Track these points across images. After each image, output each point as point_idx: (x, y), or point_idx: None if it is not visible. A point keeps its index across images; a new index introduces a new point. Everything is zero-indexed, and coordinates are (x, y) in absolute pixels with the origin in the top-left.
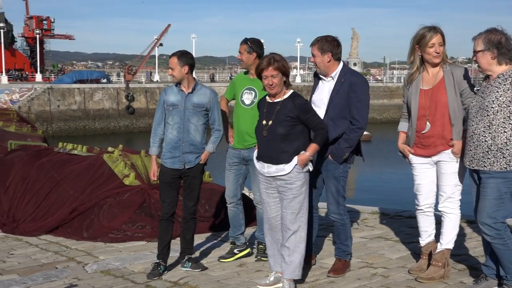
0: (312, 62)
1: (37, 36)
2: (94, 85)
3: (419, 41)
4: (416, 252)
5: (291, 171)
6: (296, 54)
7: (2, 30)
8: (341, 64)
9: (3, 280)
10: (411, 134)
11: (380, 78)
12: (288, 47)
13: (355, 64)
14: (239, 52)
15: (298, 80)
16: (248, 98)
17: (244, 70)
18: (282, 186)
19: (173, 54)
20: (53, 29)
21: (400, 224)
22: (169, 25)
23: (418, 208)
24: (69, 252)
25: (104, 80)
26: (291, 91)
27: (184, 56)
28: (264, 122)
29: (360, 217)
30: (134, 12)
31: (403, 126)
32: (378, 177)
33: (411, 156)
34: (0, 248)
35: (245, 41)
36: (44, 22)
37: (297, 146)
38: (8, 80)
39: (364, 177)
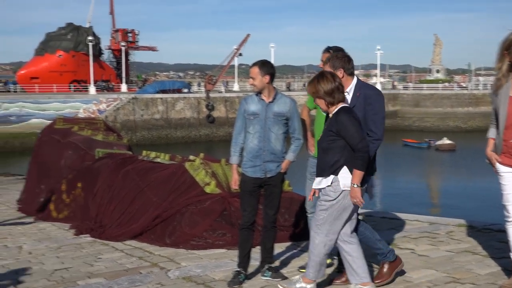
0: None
1: (123, 48)
2: (176, 95)
3: (508, 47)
4: (507, 268)
5: (326, 187)
6: (376, 62)
7: (91, 43)
8: (355, 78)
9: (91, 283)
10: (498, 143)
11: (464, 85)
12: (367, 54)
13: (437, 71)
14: (321, 60)
15: (378, 88)
16: None
17: None
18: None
19: (254, 64)
20: (137, 41)
21: (489, 238)
22: (248, 35)
23: (508, 220)
24: (152, 258)
25: (186, 90)
26: (341, 105)
27: (265, 66)
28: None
29: (445, 230)
30: (215, 23)
31: (492, 132)
32: (464, 187)
33: (498, 165)
34: (88, 252)
35: (327, 49)
36: (129, 34)
37: (335, 160)
38: (96, 90)
39: (449, 187)
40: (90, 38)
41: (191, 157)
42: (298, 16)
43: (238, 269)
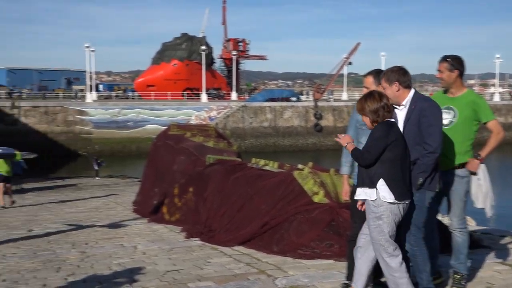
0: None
1: (234, 57)
2: (284, 103)
3: None
4: None
5: (370, 202)
6: (495, 71)
7: (204, 53)
8: (412, 91)
9: (200, 286)
10: None
11: None
12: (485, 63)
13: None
14: (439, 70)
15: (496, 98)
16: (446, 117)
17: (443, 88)
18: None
19: (369, 73)
20: (248, 50)
21: None
22: (358, 44)
23: None
24: (260, 265)
25: (294, 99)
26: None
27: (380, 75)
28: None
29: None
30: (324, 32)
31: None
32: None
33: None
34: (198, 255)
35: (445, 58)
36: (240, 44)
37: (373, 173)
38: (208, 98)
39: None
40: (203, 47)
41: (300, 166)
42: (410, 25)
43: (346, 282)
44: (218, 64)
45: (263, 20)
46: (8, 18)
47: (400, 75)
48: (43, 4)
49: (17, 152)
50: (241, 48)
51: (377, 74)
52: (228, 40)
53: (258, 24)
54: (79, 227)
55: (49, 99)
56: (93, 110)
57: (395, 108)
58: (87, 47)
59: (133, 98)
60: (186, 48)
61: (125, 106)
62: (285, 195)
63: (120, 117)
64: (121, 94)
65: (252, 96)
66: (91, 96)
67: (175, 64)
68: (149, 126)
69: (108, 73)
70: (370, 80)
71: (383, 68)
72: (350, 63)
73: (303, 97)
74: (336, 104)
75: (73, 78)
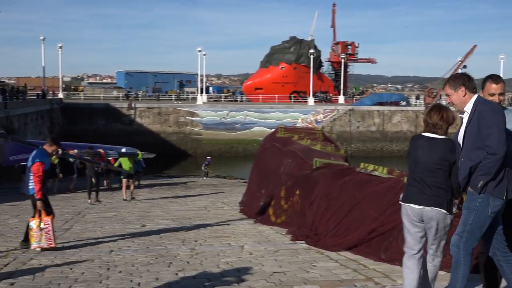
0: (449, 103)
1: (342, 60)
2: (393, 108)
3: None
4: None
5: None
6: None
7: (312, 56)
8: (475, 96)
9: None
10: None
11: None
12: None
13: None
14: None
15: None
16: None
17: None
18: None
19: (490, 78)
20: (357, 54)
21: None
22: (475, 46)
23: None
24: (367, 272)
25: (403, 103)
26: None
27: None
28: None
29: None
30: (437, 34)
31: None
32: None
33: None
34: (304, 258)
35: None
36: (349, 47)
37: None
38: (314, 101)
39: None
40: (311, 51)
41: None
42: None
43: None
44: (326, 68)
45: (373, 23)
46: (129, 25)
47: (465, 80)
48: (161, 10)
49: (139, 152)
50: (349, 51)
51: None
52: (337, 43)
53: (368, 27)
54: (189, 225)
55: (163, 101)
56: (203, 111)
57: (461, 115)
58: (199, 51)
59: (241, 101)
60: (294, 52)
61: (234, 108)
62: (394, 201)
63: (228, 119)
64: (230, 97)
65: (360, 100)
66: (201, 98)
67: (283, 67)
68: (256, 128)
69: (218, 76)
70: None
71: (500, 72)
72: (465, 66)
73: (412, 101)
74: None
75: (185, 81)
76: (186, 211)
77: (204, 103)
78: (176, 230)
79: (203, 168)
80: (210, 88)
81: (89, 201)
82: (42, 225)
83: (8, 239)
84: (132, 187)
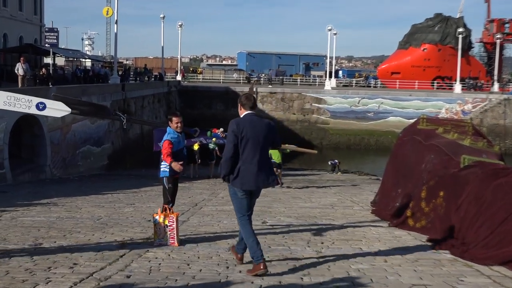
0: None
1: (497, 41)
2: None
3: None
4: None
5: None
6: None
7: (460, 36)
8: None
9: None
10: None
11: None
12: None
13: None
14: None
15: None
16: None
17: None
18: None
19: None
20: None
21: None
22: None
23: None
24: None
25: None
26: None
27: None
28: None
29: None
30: None
31: None
32: None
33: None
34: (449, 271)
35: None
36: (506, 25)
37: None
38: (462, 89)
39: None
40: (460, 29)
41: None
42: None
43: None
44: (477, 49)
45: None
46: (252, 2)
47: None
48: None
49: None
50: (507, 30)
51: None
52: (491, 21)
53: None
54: (314, 224)
55: (287, 85)
56: (332, 98)
57: None
58: (329, 30)
59: (375, 87)
60: (439, 31)
61: (366, 95)
62: None
63: (359, 107)
64: (361, 82)
65: None
66: (330, 83)
67: (425, 48)
68: (391, 119)
69: (349, 59)
70: None
71: None
72: None
73: None
74: None
75: (312, 63)
76: (310, 208)
77: (332, 88)
78: (300, 229)
79: (330, 163)
80: (340, 72)
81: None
82: (167, 222)
83: (124, 229)
84: (280, 176)
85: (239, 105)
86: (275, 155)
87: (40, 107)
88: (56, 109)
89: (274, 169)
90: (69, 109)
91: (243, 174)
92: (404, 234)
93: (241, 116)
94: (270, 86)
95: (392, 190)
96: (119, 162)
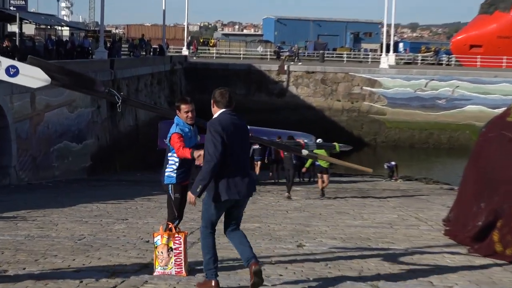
0: None
1: None
2: None
3: None
4: None
5: None
6: None
7: None
8: None
9: None
10: None
11: None
12: None
13: None
14: None
15: None
16: None
17: None
18: None
19: None
20: None
21: None
22: None
23: None
24: None
25: None
26: None
27: None
28: None
29: None
30: None
31: None
32: None
33: None
34: None
35: None
36: None
37: None
38: None
39: None
40: None
41: None
42: None
43: None
44: None
45: None
46: None
47: None
48: None
49: (336, 144)
50: None
51: None
52: None
53: None
54: (367, 249)
55: (329, 63)
56: (389, 80)
57: None
58: None
59: (447, 64)
60: None
61: (436, 76)
62: None
63: (427, 92)
64: (430, 58)
65: None
66: (387, 60)
67: None
68: (470, 108)
69: (413, 27)
70: None
71: None
72: None
73: None
74: None
75: (363, 33)
76: (362, 228)
77: (390, 66)
78: (349, 256)
79: (386, 167)
80: (401, 45)
81: (286, 194)
82: (172, 244)
83: (114, 252)
84: (326, 182)
85: (212, 102)
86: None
87: (11, 73)
88: (32, 77)
89: (319, 174)
90: (49, 78)
91: (229, 182)
92: (490, 263)
93: (218, 115)
94: (300, 63)
95: (473, 204)
96: (107, 163)
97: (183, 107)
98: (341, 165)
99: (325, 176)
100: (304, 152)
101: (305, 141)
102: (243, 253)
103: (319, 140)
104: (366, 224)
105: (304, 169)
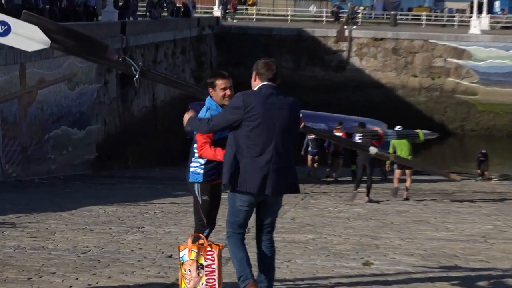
0: None
1: None
2: None
3: None
4: None
5: None
6: None
7: None
8: None
9: None
10: None
11: None
12: None
13: None
14: None
15: None
16: None
17: None
18: None
19: None
20: None
21: None
22: None
23: None
24: None
25: None
26: None
27: None
28: None
29: None
30: None
31: None
32: None
33: None
34: None
35: None
36: None
37: None
38: None
39: None
40: None
41: None
42: None
43: None
44: None
45: None
46: None
47: None
48: None
49: (419, 131)
50: None
51: None
52: None
53: None
54: (453, 269)
55: (402, 27)
56: (482, 49)
57: None
58: None
59: None
60: None
61: None
62: None
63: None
64: None
65: None
66: (478, 23)
67: None
68: None
69: None
70: None
71: None
72: None
73: None
74: None
75: None
76: (446, 241)
77: (483, 32)
78: (430, 277)
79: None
80: (497, 3)
81: (353, 194)
82: (202, 260)
83: (128, 269)
84: (408, 181)
85: (253, 74)
86: (402, 148)
87: (1, 30)
88: (27, 37)
89: (397, 171)
90: (48, 40)
91: (246, 172)
92: None
93: (254, 89)
94: (354, 27)
95: None
96: (116, 155)
97: (219, 82)
98: (420, 169)
99: (407, 172)
100: (373, 150)
101: (383, 130)
102: (240, 266)
103: (398, 127)
104: (451, 237)
105: (387, 167)
